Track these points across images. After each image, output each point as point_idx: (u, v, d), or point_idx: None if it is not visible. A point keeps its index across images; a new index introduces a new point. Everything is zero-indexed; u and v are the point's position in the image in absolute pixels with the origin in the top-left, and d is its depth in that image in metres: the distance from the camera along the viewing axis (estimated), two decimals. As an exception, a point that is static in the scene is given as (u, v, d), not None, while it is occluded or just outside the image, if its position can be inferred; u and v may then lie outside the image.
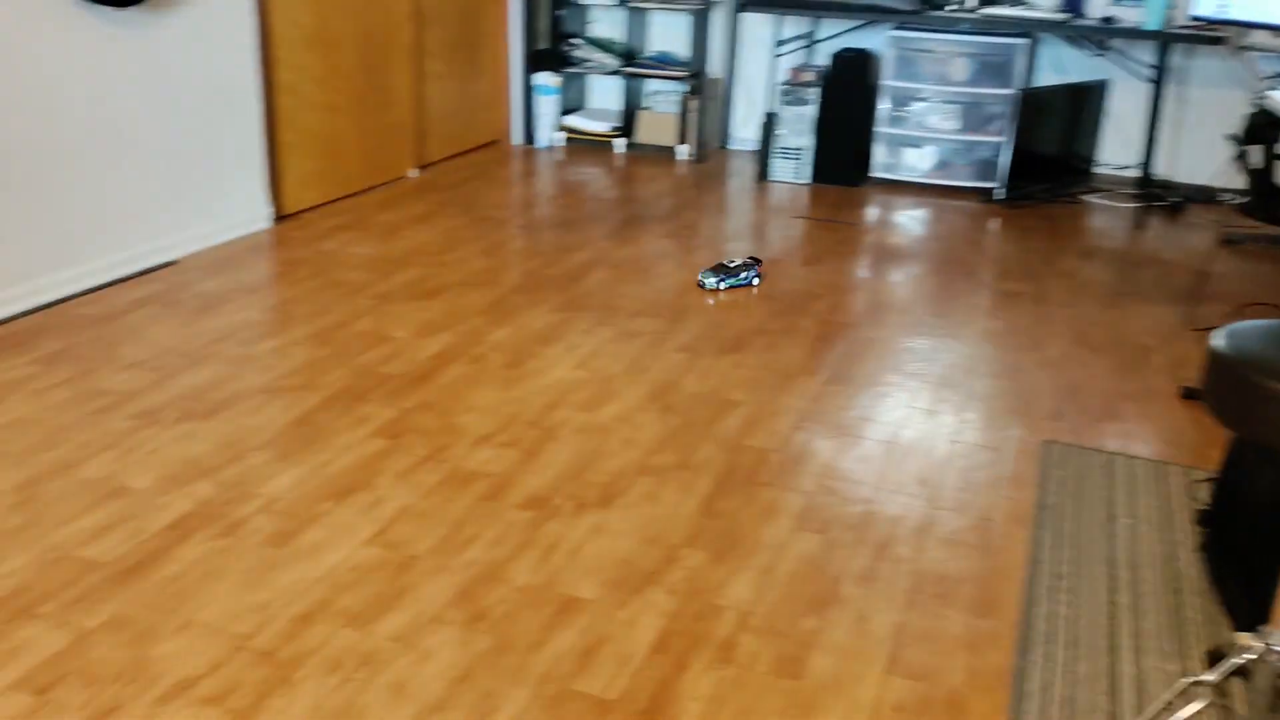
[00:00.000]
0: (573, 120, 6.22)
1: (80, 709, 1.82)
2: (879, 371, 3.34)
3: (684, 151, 6.06)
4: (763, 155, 5.62)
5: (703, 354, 3.40)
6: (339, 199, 4.94)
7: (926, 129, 5.50)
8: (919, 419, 3.03)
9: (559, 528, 2.42)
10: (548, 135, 6.19)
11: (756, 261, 3.93)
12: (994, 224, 5.02)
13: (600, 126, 6.18)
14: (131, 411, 2.85)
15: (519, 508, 2.49)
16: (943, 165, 5.59)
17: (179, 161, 4.00)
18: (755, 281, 3.91)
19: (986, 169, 5.48)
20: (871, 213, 5.17)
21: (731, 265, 3.89)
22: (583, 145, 6.22)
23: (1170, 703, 1.91)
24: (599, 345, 3.43)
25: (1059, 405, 3.14)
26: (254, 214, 4.41)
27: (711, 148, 6.20)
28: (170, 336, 3.34)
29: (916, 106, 5.52)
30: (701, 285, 3.88)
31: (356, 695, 1.88)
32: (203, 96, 4.06)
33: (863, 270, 4.31)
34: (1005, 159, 5.34)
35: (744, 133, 6.30)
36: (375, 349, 3.32)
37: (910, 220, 5.07)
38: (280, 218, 4.58)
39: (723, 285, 3.85)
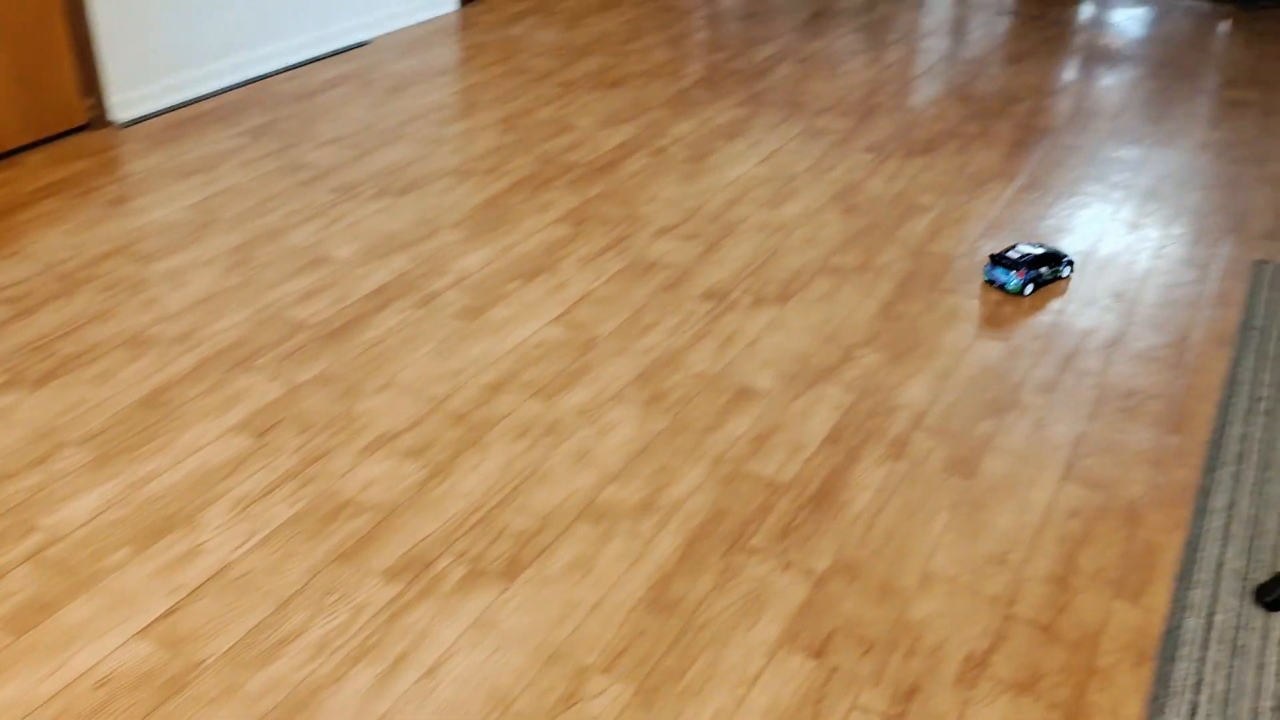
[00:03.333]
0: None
1: (294, 452, 2.00)
2: (1079, 180, 3.15)
3: (882, -61, 5.67)
4: (969, -56, 5.20)
5: (891, 155, 3.28)
6: (524, -16, 4.88)
7: (1158, -84, 4.96)
8: (1120, 231, 2.87)
9: (737, 320, 2.44)
10: (737, -80, 5.87)
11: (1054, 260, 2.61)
12: (1224, 27, 4.56)
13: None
14: (332, 185, 2.98)
15: (698, 299, 2.52)
16: (1172, -42, 5.06)
17: (371, -60, 4.01)
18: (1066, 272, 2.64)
19: (1223, -37, 4.94)
20: (1086, 11, 4.76)
21: (1027, 255, 2.59)
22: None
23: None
24: (783, 142, 3.35)
25: (1277, 224, 2.91)
26: (442, -3, 4.41)
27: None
28: (365, 115, 3.44)
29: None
30: (1000, 287, 2.59)
31: (542, 459, 2.00)
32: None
33: (1071, 73, 4.01)
34: (1247, -48, 4.79)
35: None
36: (559, 137, 3.34)
37: (1129, 20, 4.65)
38: (466, 1, 4.56)
39: (1028, 291, 2.58)
